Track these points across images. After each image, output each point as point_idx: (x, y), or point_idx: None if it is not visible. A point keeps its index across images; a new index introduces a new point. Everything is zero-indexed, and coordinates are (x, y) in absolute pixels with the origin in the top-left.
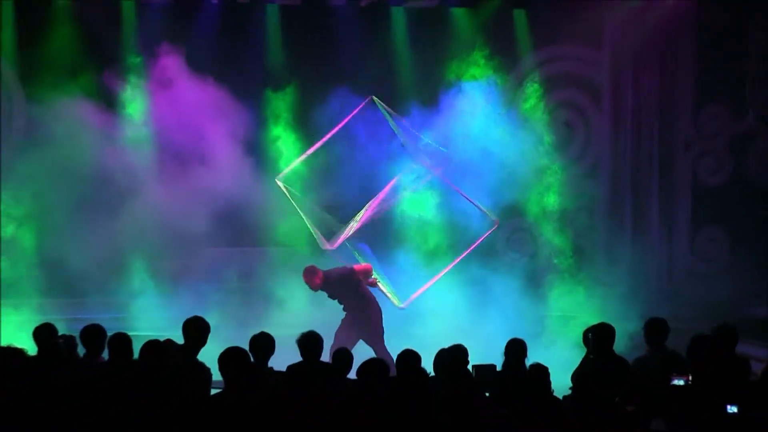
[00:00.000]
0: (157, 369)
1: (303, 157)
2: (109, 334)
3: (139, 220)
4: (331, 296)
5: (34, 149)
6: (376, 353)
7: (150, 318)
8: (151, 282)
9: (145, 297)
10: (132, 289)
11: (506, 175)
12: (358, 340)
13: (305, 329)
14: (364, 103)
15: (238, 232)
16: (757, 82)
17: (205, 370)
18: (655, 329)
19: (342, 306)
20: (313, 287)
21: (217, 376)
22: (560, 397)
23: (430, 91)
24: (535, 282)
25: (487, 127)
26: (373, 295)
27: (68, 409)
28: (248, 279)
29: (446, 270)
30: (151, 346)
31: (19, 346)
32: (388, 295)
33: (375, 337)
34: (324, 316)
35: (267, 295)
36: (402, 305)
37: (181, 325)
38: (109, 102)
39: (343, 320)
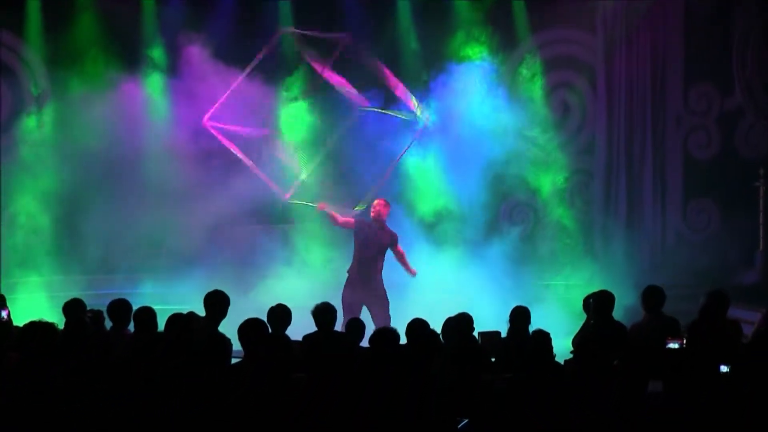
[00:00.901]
0: (183, 340)
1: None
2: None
3: (158, 200)
4: (369, 239)
5: (58, 131)
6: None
7: (165, 293)
8: (168, 259)
9: (160, 273)
10: (149, 266)
11: (507, 152)
12: (362, 307)
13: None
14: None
15: (255, 211)
16: (742, 61)
17: (226, 341)
18: (651, 296)
19: (359, 259)
20: (376, 214)
21: (237, 346)
22: (561, 362)
23: (432, 74)
24: (535, 253)
25: (489, 105)
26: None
27: (96, 379)
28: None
29: None
30: (176, 318)
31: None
32: None
33: (386, 308)
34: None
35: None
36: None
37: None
38: (131, 85)
39: (347, 288)
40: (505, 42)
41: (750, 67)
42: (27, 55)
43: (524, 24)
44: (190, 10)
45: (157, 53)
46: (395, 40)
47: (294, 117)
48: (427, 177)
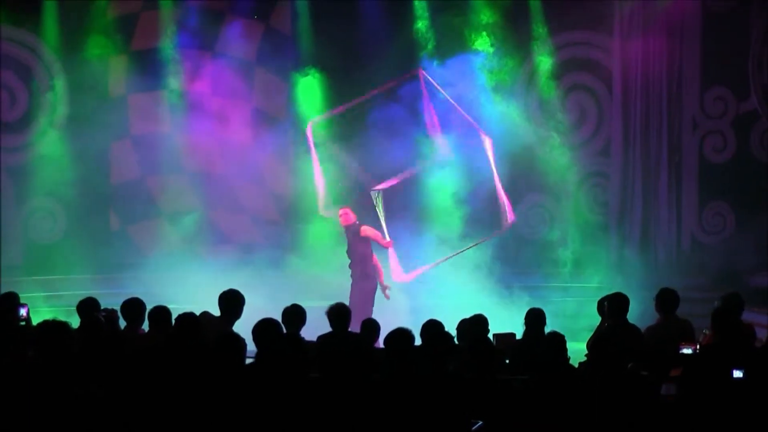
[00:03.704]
0: (191, 339)
1: (338, 110)
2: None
3: (175, 200)
4: (349, 243)
5: (73, 131)
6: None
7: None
8: (183, 256)
9: (175, 271)
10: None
11: (523, 154)
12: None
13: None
14: (412, 74)
15: (264, 208)
16: (759, 65)
17: (240, 341)
18: (666, 299)
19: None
20: (344, 223)
21: (251, 346)
22: (575, 364)
23: (447, 74)
24: (550, 256)
25: (505, 105)
26: (376, 270)
27: (110, 378)
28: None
29: (449, 257)
30: (184, 318)
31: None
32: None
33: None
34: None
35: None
36: (403, 277)
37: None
38: (150, 85)
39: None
40: (522, 44)
41: (766, 69)
42: (44, 54)
43: (541, 26)
44: (207, 11)
45: (174, 49)
46: (411, 35)
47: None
48: (439, 176)
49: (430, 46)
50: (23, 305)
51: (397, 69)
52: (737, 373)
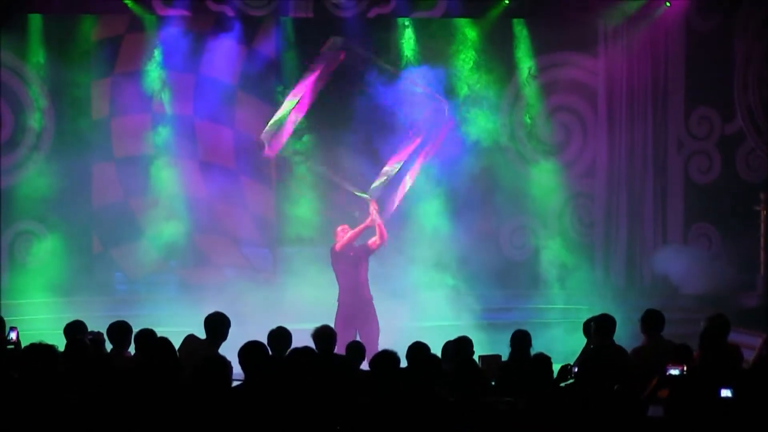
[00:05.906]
0: (168, 360)
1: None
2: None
3: (158, 223)
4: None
5: (58, 154)
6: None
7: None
8: (173, 279)
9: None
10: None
11: (506, 175)
12: (356, 332)
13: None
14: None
15: (250, 230)
16: (744, 85)
17: (226, 363)
18: (651, 320)
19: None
20: (339, 241)
21: (237, 369)
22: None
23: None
24: (536, 277)
25: (490, 126)
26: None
27: (96, 401)
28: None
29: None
30: (161, 341)
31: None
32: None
33: (375, 331)
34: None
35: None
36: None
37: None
38: (133, 108)
39: (337, 314)
40: (506, 64)
41: (751, 89)
42: (28, 76)
43: (526, 46)
44: (191, 30)
45: (159, 71)
46: (395, 54)
47: None
48: (421, 197)
49: (413, 63)
50: (13, 328)
51: (380, 87)
52: (725, 392)
